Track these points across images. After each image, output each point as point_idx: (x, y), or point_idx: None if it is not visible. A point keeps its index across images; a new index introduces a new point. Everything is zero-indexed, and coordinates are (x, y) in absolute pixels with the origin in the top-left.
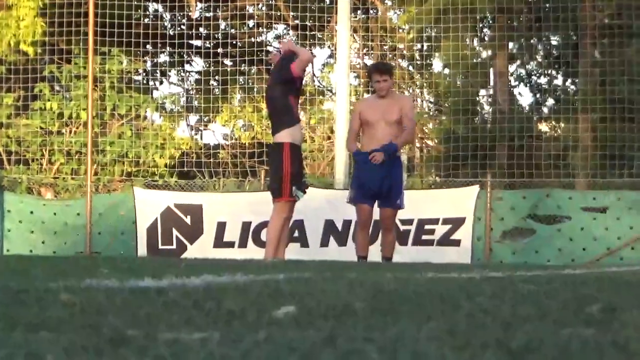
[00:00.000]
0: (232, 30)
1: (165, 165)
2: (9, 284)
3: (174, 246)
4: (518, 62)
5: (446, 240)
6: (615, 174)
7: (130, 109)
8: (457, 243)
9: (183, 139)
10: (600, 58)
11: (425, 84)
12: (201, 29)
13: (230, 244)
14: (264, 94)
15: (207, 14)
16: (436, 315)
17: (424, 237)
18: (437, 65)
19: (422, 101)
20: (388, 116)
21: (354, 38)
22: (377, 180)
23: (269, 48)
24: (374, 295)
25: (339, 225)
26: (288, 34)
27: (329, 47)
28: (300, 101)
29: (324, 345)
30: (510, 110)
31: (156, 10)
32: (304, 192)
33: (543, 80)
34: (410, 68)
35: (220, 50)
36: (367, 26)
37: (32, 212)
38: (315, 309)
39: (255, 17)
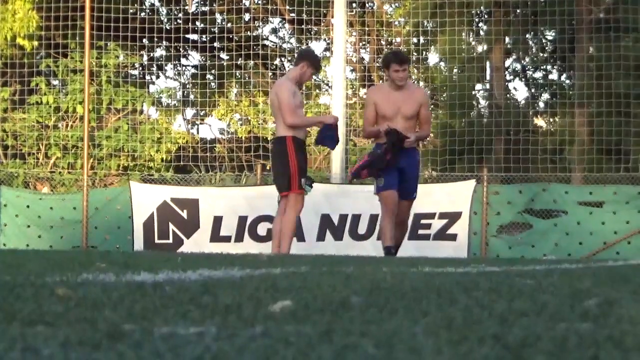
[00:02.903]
0: (229, 24)
1: (162, 160)
2: (5, 279)
3: (171, 240)
4: (514, 56)
5: (443, 235)
6: (612, 169)
7: (126, 103)
8: (453, 237)
9: (179, 133)
10: (596, 52)
11: (421, 78)
12: (197, 23)
13: (227, 239)
14: (270, 92)
15: (204, 8)
16: (433, 309)
17: (421, 231)
18: (433, 59)
19: None
20: (405, 110)
21: (350, 32)
22: (398, 170)
23: (266, 42)
24: (370, 289)
25: (335, 220)
26: (284, 27)
27: (325, 40)
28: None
29: (320, 339)
30: (506, 104)
31: (152, 5)
32: (311, 187)
33: (538, 74)
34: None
35: (216, 44)
36: (363, 20)
37: (28, 207)
38: (312, 304)
39: (252, 10)
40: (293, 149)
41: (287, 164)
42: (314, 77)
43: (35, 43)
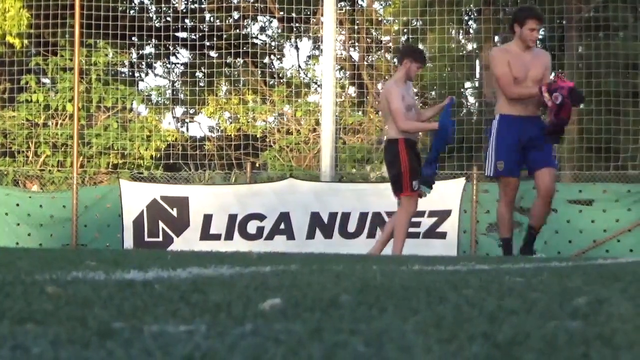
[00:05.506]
0: (218, 22)
1: (151, 157)
2: None
3: (160, 238)
4: None
5: (432, 233)
6: (602, 167)
7: (116, 101)
8: (443, 236)
9: (169, 131)
10: (585, 51)
11: None
12: (186, 21)
13: (217, 237)
14: (380, 95)
15: (193, 6)
16: (422, 307)
17: (410, 229)
18: None
19: None
20: (534, 73)
21: (340, 30)
22: (530, 143)
23: (255, 40)
24: (360, 287)
25: (325, 218)
26: (271, 26)
27: (314, 39)
28: (285, 93)
29: (310, 337)
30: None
31: (141, 2)
32: (431, 187)
33: None
34: (395, 60)
35: (206, 42)
36: (352, 18)
37: (18, 205)
38: (302, 302)
39: (241, 8)
40: (405, 151)
41: (399, 167)
42: (302, 74)
43: (25, 41)
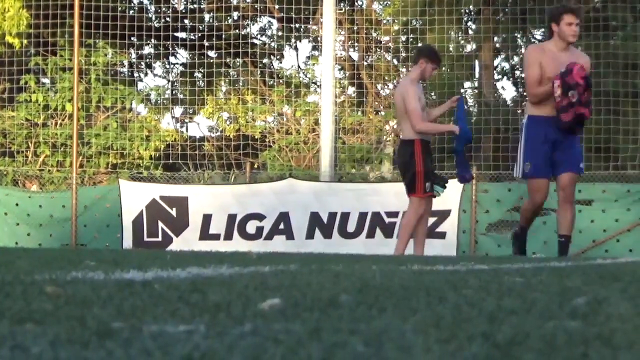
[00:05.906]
0: (217, 22)
1: (150, 157)
2: None
3: (160, 238)
4: (502, 55)
5: (432, 233)
6: (601, 167)
7: (115, 101)
8: (442, 235)
9: (168, 131)
10: (585, 51)
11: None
12: (186, 21)
13: (216, 237)
14: (394, 95)
15: (192, 6)
16: (422, 307)
17: None
18: None
19: None
20: None
21: (339, 30)
22: (556, 145)
23: (254, 40)
24: (359, 287)
25: (324, 218)
26: (271, 27)
27: (313, 39)
28: (285, 93)
29: (309, 337)
30: (495, 102)
31: (141, 3)
32: (444, 187)
33: None
34: (395, 60)
35: (205, 42)
36: (352, 18)
37: (17, 205)
38: (301, 302)
39: (240, 9)
40: (420, 153)
41: (413, 167)
42: (302, 74)
43: (25, 41)
